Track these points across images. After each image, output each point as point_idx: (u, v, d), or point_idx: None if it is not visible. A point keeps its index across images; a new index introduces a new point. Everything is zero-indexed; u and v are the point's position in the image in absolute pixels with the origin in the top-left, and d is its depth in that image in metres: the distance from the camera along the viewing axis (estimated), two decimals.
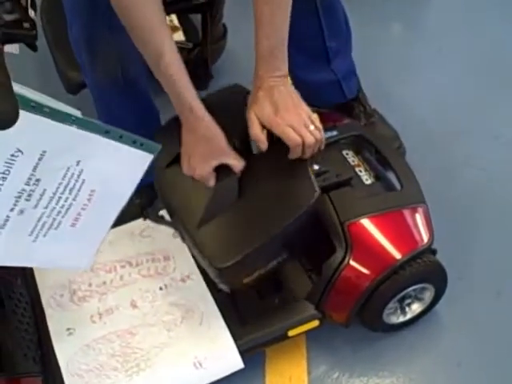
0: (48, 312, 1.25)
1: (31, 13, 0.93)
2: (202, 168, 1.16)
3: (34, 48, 1.00)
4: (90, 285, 1.29)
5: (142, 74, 1.34)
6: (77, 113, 0.88)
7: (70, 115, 0.87)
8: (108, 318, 1.24)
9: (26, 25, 0.95)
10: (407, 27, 2.08)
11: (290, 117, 1.11)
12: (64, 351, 1.20)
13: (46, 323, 1.24)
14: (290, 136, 1.11)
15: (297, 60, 1.27)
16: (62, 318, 1.25)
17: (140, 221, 1.39)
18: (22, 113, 0.79)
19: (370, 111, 1.64)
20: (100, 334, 1.22)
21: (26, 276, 1.31)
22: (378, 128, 1.61)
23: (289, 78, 1.16)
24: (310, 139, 1.12)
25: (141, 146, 0.96)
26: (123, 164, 0.97)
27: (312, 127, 1.13)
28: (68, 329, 1.23)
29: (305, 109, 1.14)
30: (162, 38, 1.08)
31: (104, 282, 1.29)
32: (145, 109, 1.45)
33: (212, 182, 1.18)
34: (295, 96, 1.14)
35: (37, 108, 0.83)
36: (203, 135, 1.14)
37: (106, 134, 0.92)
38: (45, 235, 0.99)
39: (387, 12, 2.07)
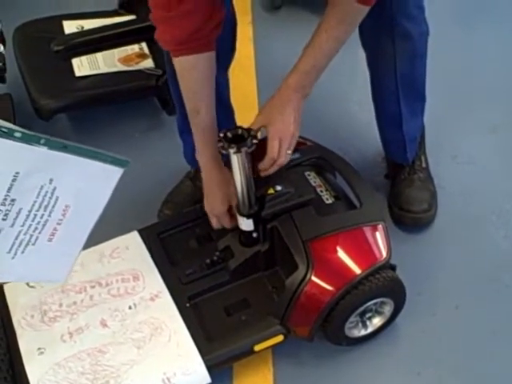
0: (19, 332, 1.28)
1: (0, 47, 0.97)
2: (218, 208, 1.35)
3: (2, 80, 1.04)
4: (60, 305, 1.32)
5: None
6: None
7: (40, 137, 0.91)
8: (78, 337, 1.27)
9: None
10: None
11: (285, 133, 1.20)
12: (35, 370, 1.22)
13: (17, 343, 1.26)
14: (274, 149, 1.20)
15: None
16: (33, 338, 1.27)
17: (110, 242, 1.43)
18: None
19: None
20: (70, 353, 1.24)
21: None
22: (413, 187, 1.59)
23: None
24: (282, 160, 1.22)
25: (111, 162, 1.01)
26: (95, 179, 1.02)
27: (289, 152, 1.22)
28: (39, 348, 1.25)
29: (297, 133, 1.23)
30: (203, 98, 1.25)
31: (74, 303, 1.32)
32: None
33: (227, 222, 1.35)
34: (299, 118, 1.22)
35: (8, 133, 0.88)
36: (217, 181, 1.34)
37: (76, 152, 0.96)
38: (23, 251, 1.03)
39: None
